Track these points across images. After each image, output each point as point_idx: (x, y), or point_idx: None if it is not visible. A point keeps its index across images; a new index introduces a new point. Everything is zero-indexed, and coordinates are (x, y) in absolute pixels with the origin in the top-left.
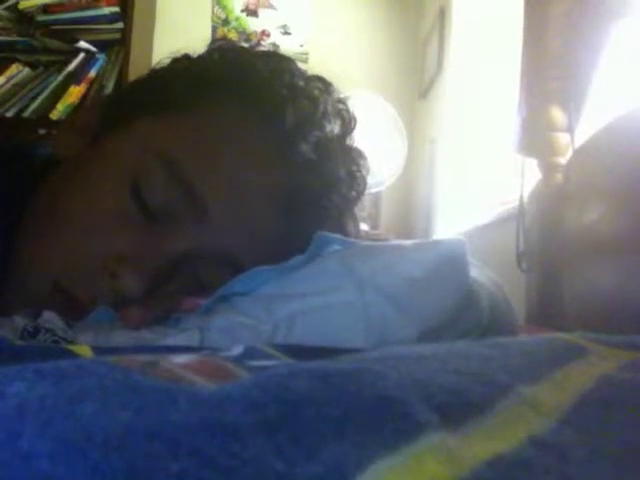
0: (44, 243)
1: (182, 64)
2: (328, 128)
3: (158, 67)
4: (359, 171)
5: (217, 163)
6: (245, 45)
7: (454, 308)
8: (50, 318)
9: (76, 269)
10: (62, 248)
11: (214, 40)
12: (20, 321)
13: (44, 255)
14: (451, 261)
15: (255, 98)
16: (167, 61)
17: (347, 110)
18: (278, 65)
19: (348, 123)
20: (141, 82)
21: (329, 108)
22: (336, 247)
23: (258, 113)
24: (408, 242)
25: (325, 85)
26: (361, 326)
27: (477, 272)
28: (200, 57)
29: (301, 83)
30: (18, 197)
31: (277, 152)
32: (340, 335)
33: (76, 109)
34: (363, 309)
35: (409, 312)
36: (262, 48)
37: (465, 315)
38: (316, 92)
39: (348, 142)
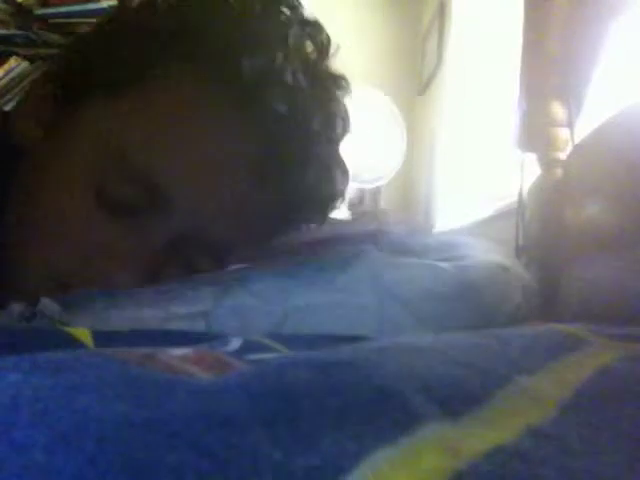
0: (22, 248)
1: (127, 20)
2: (291, 73)
3: (104, 21)
4: (338, 109)
5: (176, 146)
6: None
7: (469, 324)
8: (47, 303)
9: (68, 268)
10: (38, 257)
11: None
12: (17, 307)
13: (27, 260)
14: (469, 284)
15: (206, 56)
16: (113, 11)
17: (319, 31)
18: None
19: (321, 47)
20: (87, 49)
21: (294, 40)
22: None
23: (211, 73)
24: (446, 265)
25: (290, 7)
26: (373, 327)
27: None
28: (147, 7)
29: (254, 24)
30: None
31: (239, 116)
32: (351, 332)
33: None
34: (378, 311)
35: (425, 320)
36: None
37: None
38: (275, 25)
39: (322, 69)
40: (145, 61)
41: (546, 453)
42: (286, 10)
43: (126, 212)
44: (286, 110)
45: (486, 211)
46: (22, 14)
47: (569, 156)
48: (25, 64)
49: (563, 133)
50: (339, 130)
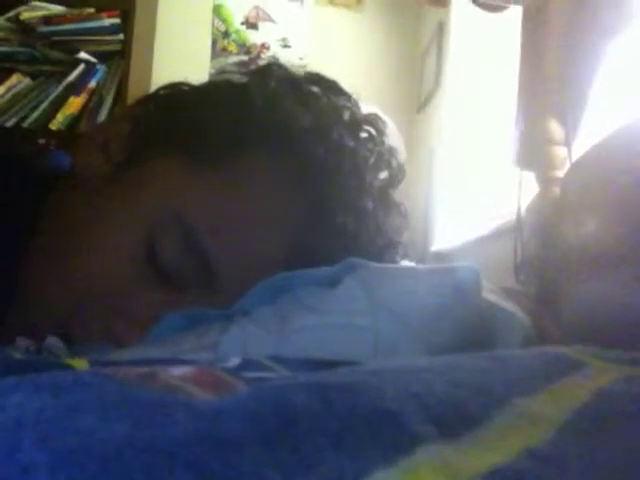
0: (52, 282)
1: (226, 97)
2: (369, 203)
3: (193, 90)
4: (399, 237)
5: (237, 236)
6: (293, 73)
7: (463, 336)
8: (53, 342)
9: (80, 315)
10: (70, 292)
11: (263, 67)
12: (22, 342)
13: (51, 296)
14: (463, 290)
15: (295, 165)
16: (203, 85)
17: (394, 156)
18: (328, 114)
19: (394, 174)
20: (175, 109)
21: (374, 169)
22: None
23: (295, 183)
24: (422, 267)
25: (376, 130)
26: (369, 348)
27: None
28: (240, 97)
29: (350, 144)
30: (26, 213)
31: (306, 228)
32: (347, 354)
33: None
34: (375, 333)
35: (420, 338)
36: (310, 77)
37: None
38: (365, 153)
39: (390, 196)
40: (230, 143)
41: (544, 474)
42: (372, 130)
43: (171, 275)
44: (353, 233)
45: (484, 229)
46: (25, 31)
47: (567, 174)
48: (27, 81)
49: (561, 151)
50: (398, 259)
